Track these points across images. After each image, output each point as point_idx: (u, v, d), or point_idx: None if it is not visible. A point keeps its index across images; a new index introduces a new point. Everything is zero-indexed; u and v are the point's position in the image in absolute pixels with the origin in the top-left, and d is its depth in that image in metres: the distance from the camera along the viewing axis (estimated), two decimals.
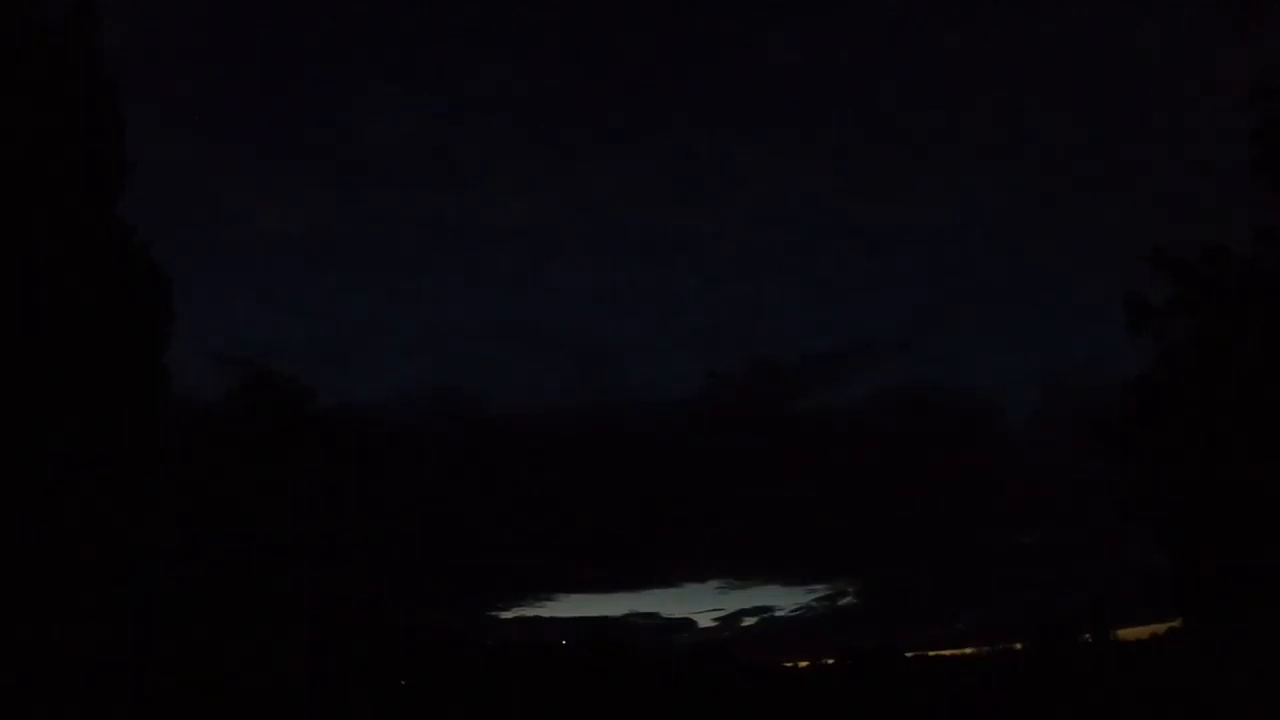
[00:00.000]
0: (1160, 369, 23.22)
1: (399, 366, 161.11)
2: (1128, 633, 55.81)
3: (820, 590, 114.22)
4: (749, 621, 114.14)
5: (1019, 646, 67.43)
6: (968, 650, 79.93)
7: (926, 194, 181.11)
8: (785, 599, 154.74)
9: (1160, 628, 48.53)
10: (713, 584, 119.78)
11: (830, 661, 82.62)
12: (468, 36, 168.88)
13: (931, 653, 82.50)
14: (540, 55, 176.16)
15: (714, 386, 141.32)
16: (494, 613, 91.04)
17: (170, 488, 21.51)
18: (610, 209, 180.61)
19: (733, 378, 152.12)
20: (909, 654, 78.64)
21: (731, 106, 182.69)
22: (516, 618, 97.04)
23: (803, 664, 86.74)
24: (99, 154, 17.78)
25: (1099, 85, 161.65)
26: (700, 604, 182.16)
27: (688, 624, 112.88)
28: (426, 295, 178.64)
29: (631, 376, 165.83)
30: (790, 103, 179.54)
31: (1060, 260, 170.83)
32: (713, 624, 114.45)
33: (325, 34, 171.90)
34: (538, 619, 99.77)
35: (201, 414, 28.89)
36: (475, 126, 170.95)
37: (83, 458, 16.38)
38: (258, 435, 30.23)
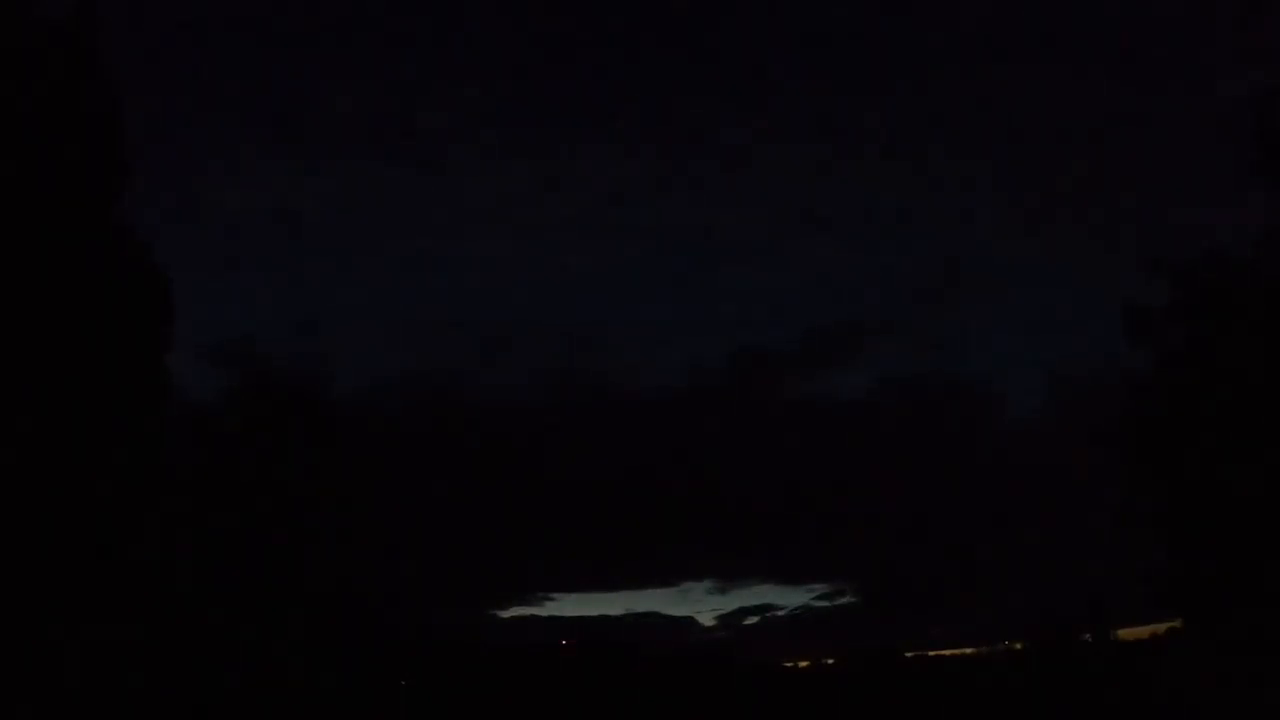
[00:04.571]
0: (1160, 372, 23.20)
1: (375, 354, 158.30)
2: (1128, 633, 55.99)
3: (820, 589, 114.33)
4: (750, 621, 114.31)
5: (1019, 646, 67.54)
6: (968, 650, 80.00)
7: (926, 177, 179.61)
8: (784, 598, 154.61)
9: (1160, 628, 48.71)
10: (712, 583, 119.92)
11: (830, 661, 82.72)
12: (447, 10, 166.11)
13: (931, 653, 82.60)
14: (520, 35, 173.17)
15: (704, 376, 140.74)
16: (494, 612, 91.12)
17: (170, 487, 21.52)
18: (593, 192, 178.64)
19: (723, 367, 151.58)
20: (909, 654, 78.73)
21: (719, 83, 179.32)
22: (516, 617, 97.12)
23: (803, 664, 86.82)
24: (99, 154, 17.78)
25: (1102, 79, 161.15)
26: (700, 603, 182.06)
27: (688, 623, 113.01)
28: (403, 282, 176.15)
29: (617, 363, 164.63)
30: (783, 80, 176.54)
31: (1063, 248, 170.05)
32: (713, 623, 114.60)
33: (296, 8, 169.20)
34: (537, 619, 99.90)
35: (198, 411, 28.80)
36: (457, 108, 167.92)
37: (83, 458, 16.39)
38: (257, 433, 30.18)
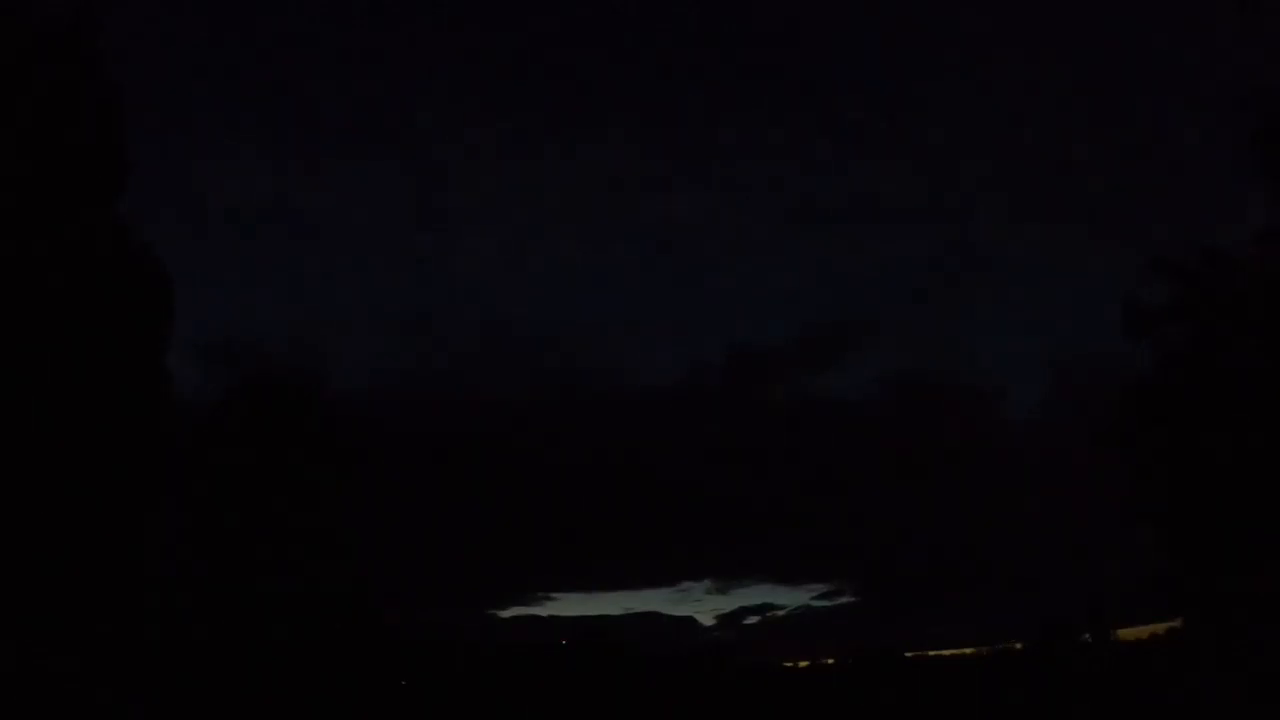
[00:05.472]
0: (1160, 372, 23.20)
1: (374, 354, 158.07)
2: (1128, 633, 55.95)
3: (820, 589, 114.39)
4: (750, 621, 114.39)
5: (1019, 646, 67.52)
6: (968, 650, 79.93)
7: (926, 176, 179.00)
8: (784, 598, 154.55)
9: (1160, 628, 48.68)
10: (712, 583, 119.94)
11: (830, 661, 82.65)
12: (444, 9, 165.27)
13: (931, 653, 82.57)
14: (518, 34, 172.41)
15: (703, 375, 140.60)
16: (494, 612, 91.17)
17: (170, 488, 21.51)
18: (591, 190, 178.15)
19: (722, 366, 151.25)
20: (909, 654, 78.69)
21: (719, 82, 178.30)
22: (516, 617, 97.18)
23: (803, 664, 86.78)
24: (99, 153, 17.78)
25: (1102, 78, 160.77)
26: (700, 603, 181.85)
27: (688, 623, 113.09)
28: (402, 282, 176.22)
29: (616, 361, 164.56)
30: (781, 73, 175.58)
31: (1063, 248, 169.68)
32: (713, 623, 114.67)
33: (294, 8, 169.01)
34: (536, 618, 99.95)
35: (198, 411, 28.78)
36: (456, 107, 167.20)
37: (83, 458, 16.38)
38: (257, 433, 30.17)
